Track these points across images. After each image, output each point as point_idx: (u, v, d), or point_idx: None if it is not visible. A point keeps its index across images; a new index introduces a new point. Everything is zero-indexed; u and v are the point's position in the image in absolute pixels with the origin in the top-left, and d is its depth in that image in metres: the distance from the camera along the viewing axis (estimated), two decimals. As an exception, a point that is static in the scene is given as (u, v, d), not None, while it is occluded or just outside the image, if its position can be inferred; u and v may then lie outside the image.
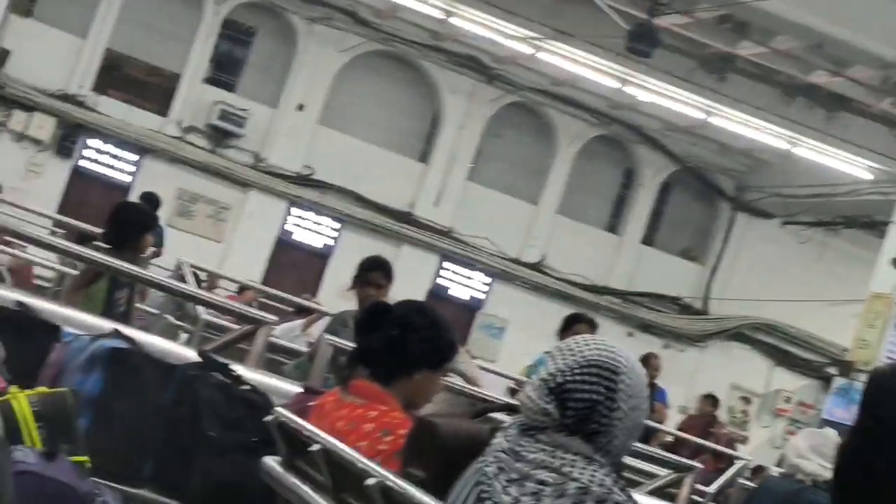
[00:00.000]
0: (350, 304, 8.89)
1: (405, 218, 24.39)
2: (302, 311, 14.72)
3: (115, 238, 7.85)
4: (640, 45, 18.85)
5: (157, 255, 15.01)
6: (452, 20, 21.62)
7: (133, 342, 5.16)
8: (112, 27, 22.68)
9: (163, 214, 22.21)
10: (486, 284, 25.44)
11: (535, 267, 25.35)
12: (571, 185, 25.69)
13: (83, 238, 14.96)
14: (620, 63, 20.99)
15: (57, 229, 14.67)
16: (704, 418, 19.36)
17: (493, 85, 24.76)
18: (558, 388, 2.87)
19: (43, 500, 3.35)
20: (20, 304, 5.31)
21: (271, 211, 23.77)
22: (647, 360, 14.85)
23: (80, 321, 5.53)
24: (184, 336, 11.78)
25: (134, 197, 20.16)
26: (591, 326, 8.92)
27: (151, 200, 18.00)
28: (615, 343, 3.00)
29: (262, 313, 6.61)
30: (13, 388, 4.19)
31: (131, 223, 8.16)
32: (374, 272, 8.11)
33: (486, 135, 25.19)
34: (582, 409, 2.86)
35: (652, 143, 25.74)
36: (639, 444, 6.72)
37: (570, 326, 8.85)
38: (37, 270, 13.13)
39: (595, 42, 20.54)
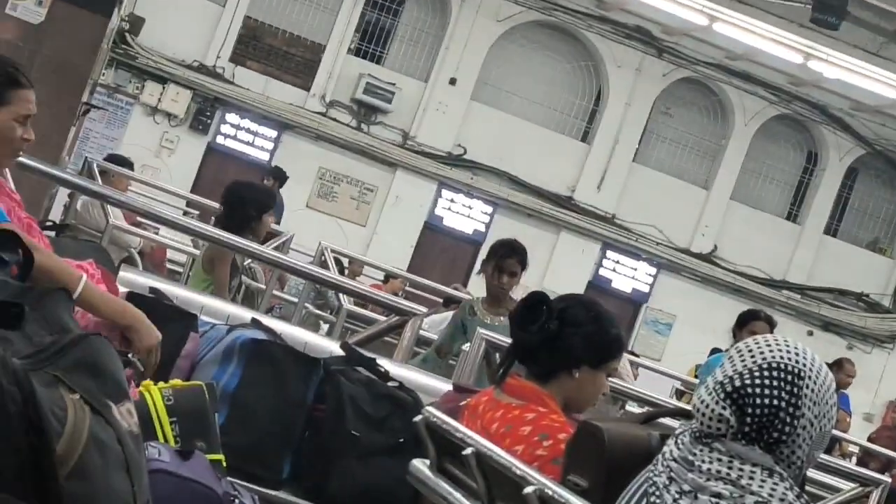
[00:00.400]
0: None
1: (564, 202, 24.30)
2: (451, 303, 14.70)
3: (232, 220, 7.86)
4: (827, 15, 18.51)
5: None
6: (619, -13, 21.47)
7: (273, 333, 5.19)
8: (251, -8, 22.97)
9: (303, 195, 22.63)
10: (652, 276, 25.21)
11: (706, 258, 25.05)
12: (747, 169, 25.33)
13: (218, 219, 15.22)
14: (804, 36, 20.64)
15: (190, 210, 14.94)
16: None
17: (662, 59, 24.51)
18: (736, 392, 2.81)
19: (178, 501, 3.38)
20: (154, 290, 5.38)
21: (419, 193, 23.83)
22: (840, 365, 14.53)
23: (218, 309, 5.60)
24: (325, 327, 11.92)
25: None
26: (770, 324, 8.78)
27: (278, 176, 18.24)
28: (799, 343, 2.92)
29: (411, 304, 6.62)
30: (146, 381, 4.25)
31: (249, 203, 8.17)
32: (509, 259, 7.95)
33: (654, 113, 24.97)
34: (763, 416, 2.80)
35: (837, 124, 25.21)
36: (823, 456, 6.57)
37: (745, 324, 8.73)
38: (169, 254, 13.34)
39: (777, 13, 20.22)
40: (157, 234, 12.18)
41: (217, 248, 7.42)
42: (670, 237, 24.82)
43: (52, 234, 5.10)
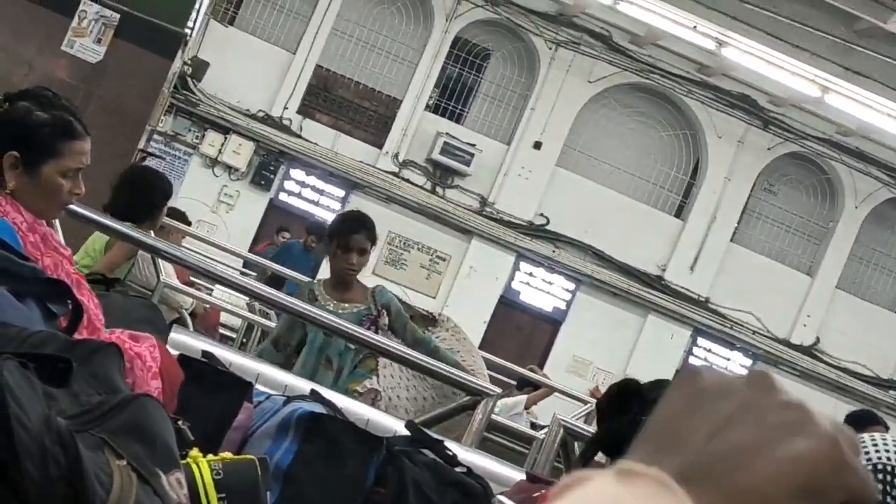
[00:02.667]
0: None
1: (654, 282, 24.18)
2: (526, 385, 14.64)
3: (135, 207, 7.68)
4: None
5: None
6: (724, 51, 21.40)
7: (333, 407, 5.18)
8: (324, 41, 23.11)
9: (370, 261, 22.60)
10: (747, 368, 24.91)
11: (807, 350, 24.80)
12: (856, 256, 25.11)
13: (277, 280, 15.31)
14: (925, 112, 20.48)
15: (247, 270, 15.00)
16: None
17: (767, 131, 24.41)
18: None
19: (223, 583, 3.36)
20: (207, 354, 5.40)
21: (496, 264, 23.78)
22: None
23: (275, 378, 5.60)
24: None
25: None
26: (886, 430, 8.61)
27: (317, 231, 18.24)
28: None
29: (485, 384, 6.57)
30: (194, 452, 4.24)
31: (157, 189, 8.08)
32: (357, 234, 7.35)
33: (756, 189, 24.86)
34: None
35: (957, 211, 25.02)
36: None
37: (863, 429, 8.57)
38: (223, 317, 13.39)
39: (893, 86, 20.09)
40: (210, 294, 12.24)
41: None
42: (768, 326, 24.60)
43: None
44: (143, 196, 7.84)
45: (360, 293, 7.42)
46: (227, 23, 22.79)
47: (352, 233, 7.38)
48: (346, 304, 7.24)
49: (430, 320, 7.93)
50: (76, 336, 3.05)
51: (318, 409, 5.10)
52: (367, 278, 21.54)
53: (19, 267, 3.02)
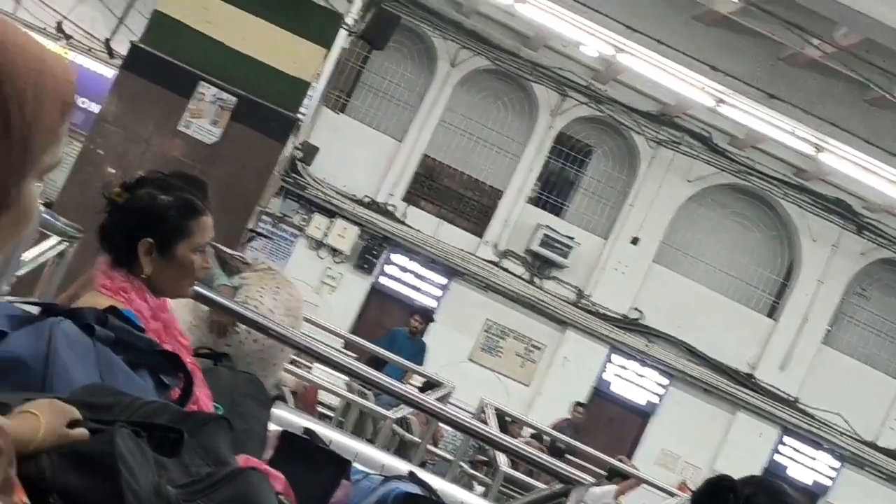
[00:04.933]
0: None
1: (744, 380, 23.91)
2: (615, 475, 14.51)
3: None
4: None
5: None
6: (821, 156, 21.30)
7: (429, 488, 5.16)
8: (431, 132, 23.25)
9: (466, 347, 22.69)
10: (834, 469, 24.58)
11: (894, 454, 24.35)
12: (947, 364, 24.72)
13: (376, 362, 15.32)
14: None
15: (347, 352, 15.03)
16: None
17: (862, 236, 24.18)
18: None
19: None
20: (308, 431, 5.40)
21: (589, 355, 23.65)
22: None
23: (373, 458, 5.59)
24: (479, 488, 11.82)
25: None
26: None
27: (426, 315, 18.28)
28: None
29: (577, 472, 6.51)
30: (291, 526, 4.23)
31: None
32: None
33: (848, 293, 24.58)
34: None
35: None
36: None
37: None
38: (321, 395, 13.41)
39: None
40: (310, 372, 12.27)
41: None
42: (856, 428, 24.22)
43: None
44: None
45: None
46: (338, 110, 23.01)
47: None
48: None
49: (244, 265, 7.85)
50: (187, 408, 3.06)
51: (415, 489, 5.09)
52: (462, 364, 21.69)
53: (136, 338, 3.04)
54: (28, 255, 5.20)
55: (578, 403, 20.90)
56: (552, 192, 24.03)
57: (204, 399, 3.80)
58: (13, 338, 2.70)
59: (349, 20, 11.46)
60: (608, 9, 19.33)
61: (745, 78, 20.17)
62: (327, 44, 10.73)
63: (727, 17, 19.34)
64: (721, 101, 20.62)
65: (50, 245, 5.44)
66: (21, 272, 5.24)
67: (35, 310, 2.98)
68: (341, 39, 13.98)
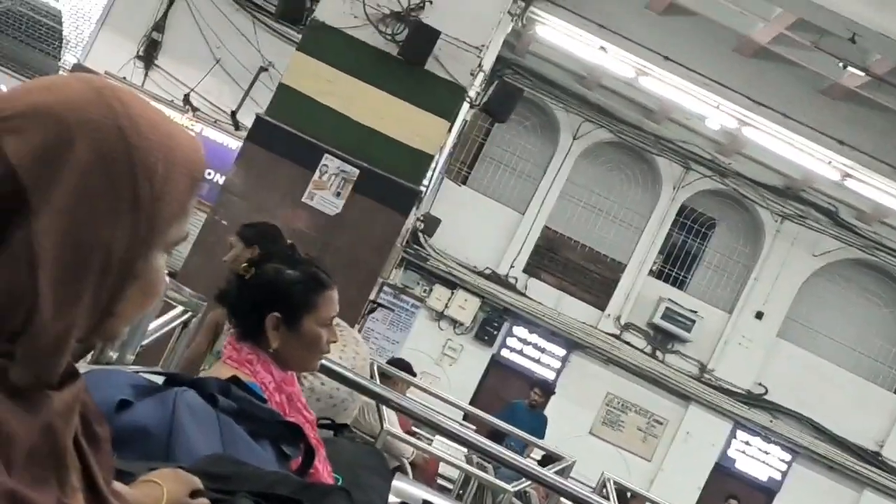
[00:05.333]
0: None
1: (871, 458, 23.46)
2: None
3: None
4: None
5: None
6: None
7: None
8: (553, 204, 23.26)
9: (587, 420, 22.57)
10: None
11: None
12: None
13: (496, 435, 15.29)
14: None
15: (467, 423, 15.01)
16: None
17: None
18: None
19: None
20: (427, 503, 5.40)
21: (712, 431, 23.37)
22: None
23: (491, 532, 5.58)
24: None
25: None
26: None
27: (546, 389, 18.22)
28: None
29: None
30: None
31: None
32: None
33: (979, 370, 24.10)
34: None
35: None
36: None
37: None
38: (441, 468, 13.38)
39: None
40: (430, 444, 12.26)
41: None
42: None
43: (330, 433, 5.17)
44: None
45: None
46: (460, 182, 23.13)
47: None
48: None
49: None
50: (307, 478, 3.07)
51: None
52: (583, 438, 21.64)
53: (258, 409, 3.07)
54: (153, 325, 5.29)
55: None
56: (675, 265, 23.88)
57: (324, 471, 3.83)
58: (138, 407, 2.74)
59: (472, 93, 11.49)
60: (732, 82, 19.25)
61: (873, 152, 19.95)
62: (450, 117, 10.80)
63: (854, 90, 19.17)
64: (847, 175, 20.42)
65: (174, 315, 5.53)
66: (146, 341, 5.32)
67: (159, 379, 3.02)
68: (464, 112, 14.05)
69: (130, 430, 2.65)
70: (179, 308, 5.52)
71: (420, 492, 5.62)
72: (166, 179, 1.63)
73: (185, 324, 5.70)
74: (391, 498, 4.97)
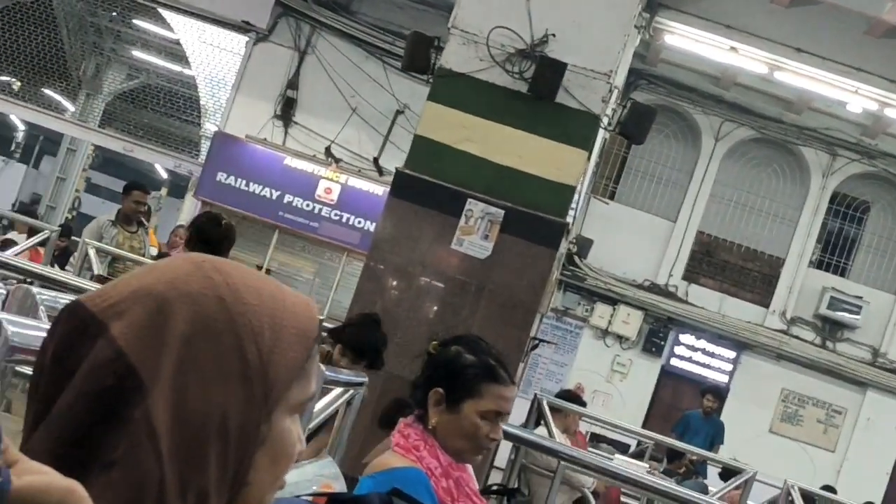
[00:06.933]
0: None
1: None
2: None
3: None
4: None
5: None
6: None
7: None
8: (703, 208, 23.08)
9: (765, 419, 22.36)
10: None
11: None
12: None
13: (674, 456, 15.19)
14: None
15: (645, 440, 14.96)
16: None
17: None
18: None
19: None
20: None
21: (893, 414, 22.88)
22: None
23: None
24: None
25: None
26: None
27: (718, 394, 18.06)
28: None
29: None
30: None
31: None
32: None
33: None
34: None
35: None
36: None
37: None
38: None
39: None
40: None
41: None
42: None
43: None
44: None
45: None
46: (607, 198, 23.07)
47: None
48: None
49: None
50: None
51: None
52: (763, 437, 21.43)
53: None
54: (317, 407, 5.35)
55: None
56: (834, 253, 23.50)
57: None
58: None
59: (607, 116, 11.45)
60: (868, 65, 18.91)
61: None
62: (588, 146, 10.78)
63: None
64: None
65: (335, 396, 5.58)
66: (311, 424, 5.38)
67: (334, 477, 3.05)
68: (601, 136, 14.02)
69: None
70: (338, 389, 5.56)
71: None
72: (276, 341, 1.64)
73: (349, 402, 5.74)
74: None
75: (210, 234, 8.21)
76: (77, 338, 1.60)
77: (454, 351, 4.06)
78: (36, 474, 1.42)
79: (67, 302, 1.65)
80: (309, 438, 5.79)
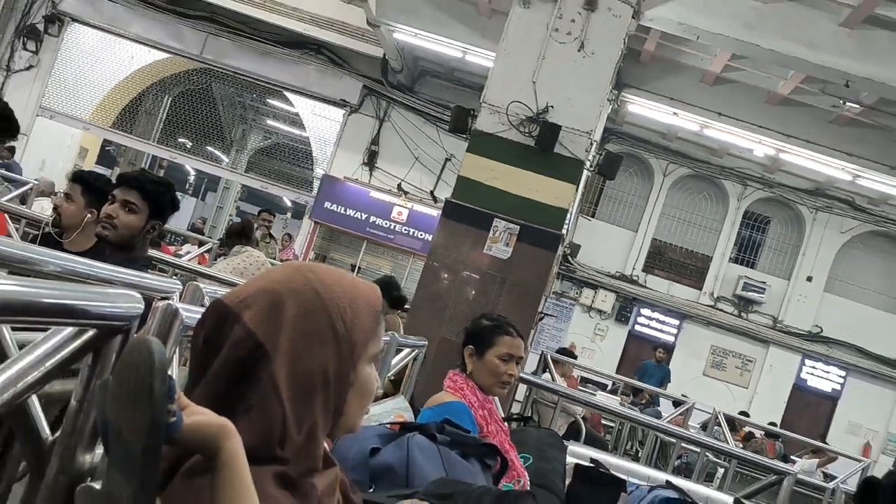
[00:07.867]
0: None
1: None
2: (816, 451, 13.84)
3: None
4: None
5: None
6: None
7: (681, 492, 5.01)
8: (656, 222, 22.97)
9: (699, 367, 22.14)
10: None
11: None
12: None
13: (637, 392, 15.04)
14: None
15: (617, 381, 14.89)
16: None
17: (978, 254, 22.56)
18: None
19: None
20: (594, 460, 5.32)
21: (787, 362, 22.68)
22: None
23: (642, 473, 5.46)
24: (720, 470, 11.40)
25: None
26: None
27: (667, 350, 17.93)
28: None
29: (786, 466, 6.22)
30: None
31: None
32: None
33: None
34: None
35: None
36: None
37: None
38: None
39: None
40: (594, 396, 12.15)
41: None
42: None
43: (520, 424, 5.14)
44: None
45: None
46: (590, 216, 22.97)
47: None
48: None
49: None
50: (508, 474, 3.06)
51: (672, 494, 4.94)
52: (698, 378, 20.95)
53: (464, 438, 3.06)
54: (393, 361, 5.30)
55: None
56: (745, 252, 23.27)
57: (516, 459, 3.79)
58: (384, 452, 2.75)
59: (588, 161, 11.39)
60: (769, 124, 18.73)
61: (874, 157, 19.19)
62: (576, 181, 10.70)
63: (853, 118, 18.48)
64: (857, 175, 19.66)
65: (405, 353, 5.54)
66: (390, 373, 5.34)
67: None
68: (584, 175, 13.92)
69: (381, 468, 2.66)
70: (407, 350, 5.52)
71: (588, 452, 5.54)
72: (355, 315, 1.65)
73: (415, 358, 5.70)
74: (569, 461, 4.92)
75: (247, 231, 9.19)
76: (220, 324, 1.59)
77: (478, 322, 4.09)
78: (200, 415, 1.42)
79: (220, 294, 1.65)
80: (395, 385, 5.78)
